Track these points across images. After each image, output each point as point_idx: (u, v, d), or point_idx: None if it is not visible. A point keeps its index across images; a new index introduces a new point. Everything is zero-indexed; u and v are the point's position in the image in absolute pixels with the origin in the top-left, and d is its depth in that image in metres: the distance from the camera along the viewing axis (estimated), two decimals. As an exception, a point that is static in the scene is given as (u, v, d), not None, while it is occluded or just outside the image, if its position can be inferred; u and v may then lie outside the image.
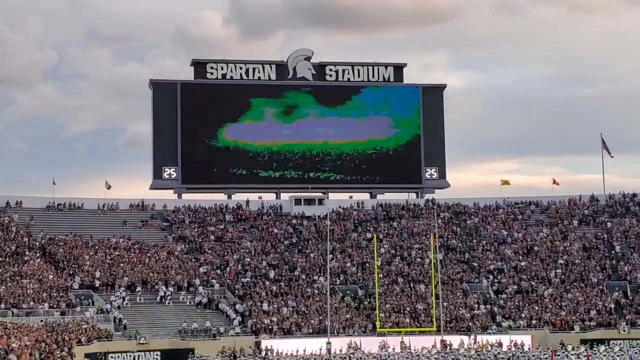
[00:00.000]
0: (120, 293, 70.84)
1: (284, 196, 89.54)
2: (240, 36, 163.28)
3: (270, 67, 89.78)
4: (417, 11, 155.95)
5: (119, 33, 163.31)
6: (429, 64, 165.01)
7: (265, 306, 71.32)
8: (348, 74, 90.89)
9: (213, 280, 74.55)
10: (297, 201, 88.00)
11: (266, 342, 65.21)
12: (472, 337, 66.90)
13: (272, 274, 76.67)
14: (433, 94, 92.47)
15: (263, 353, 62.40)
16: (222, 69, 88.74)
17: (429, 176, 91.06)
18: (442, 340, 64.34)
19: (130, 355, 61.51)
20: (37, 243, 75.98)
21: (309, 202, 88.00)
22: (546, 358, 56.34)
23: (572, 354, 56.14)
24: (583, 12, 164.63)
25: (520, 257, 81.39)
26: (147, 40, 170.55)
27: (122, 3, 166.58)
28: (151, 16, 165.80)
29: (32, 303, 65.73)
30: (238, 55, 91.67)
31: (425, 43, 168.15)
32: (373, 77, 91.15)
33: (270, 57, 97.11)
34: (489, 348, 61.34)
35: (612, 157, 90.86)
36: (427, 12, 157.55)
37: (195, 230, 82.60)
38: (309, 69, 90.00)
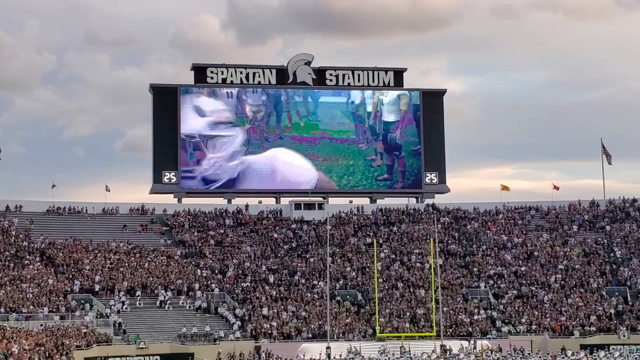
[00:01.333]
0: (120, 297, 70.81)
1: (284, 201, 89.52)
2: (237, 41, 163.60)
3: (271, 71, 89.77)
4: (414, 16, 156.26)
5: (117, 38, 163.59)
6: (427, 69, 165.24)
7: (265, 311, 71.26)
8: (348, 78, 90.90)
9: (213, 285, 74.50)
10: (297, 206, 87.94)
11: (266, 347, 65.11)
12: (472, 342, 66.86)
13: (271, 279, 76.62)
14: (433, 99, 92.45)
15: (263, 357, 62.33)
16: (222, 73, 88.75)
17: (429, 181, 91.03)
18: (441, 345, 64.27)
19: (129, 360, 61.48)
20: (37, 247, 75.93)
21: (309, 206, 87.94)
22: (546, 363, 56.33)
23: (572, 359, 56.14)
24: (579, 17, 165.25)
25: (520, 262, 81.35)
26: (144, 45, 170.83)
27: (120, 8, 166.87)
28: (148, 21, 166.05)
29: (31, 307, 65.69)
30: (235, 60, 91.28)
31: (423, 48, 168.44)
32: (373, 81, 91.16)
33: (267, 62, 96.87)
34: (489, 353, 61.25)
35: (610, 164, 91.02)
36: (424, 18, 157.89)
37: (195, 234, 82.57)
38: (309, 73, 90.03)
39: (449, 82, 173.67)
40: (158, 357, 62.81)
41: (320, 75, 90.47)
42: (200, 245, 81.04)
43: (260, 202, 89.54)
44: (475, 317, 72.86)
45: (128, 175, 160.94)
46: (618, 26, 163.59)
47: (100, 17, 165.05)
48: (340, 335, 68.87)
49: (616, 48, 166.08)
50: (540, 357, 59.25)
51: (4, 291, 67.10)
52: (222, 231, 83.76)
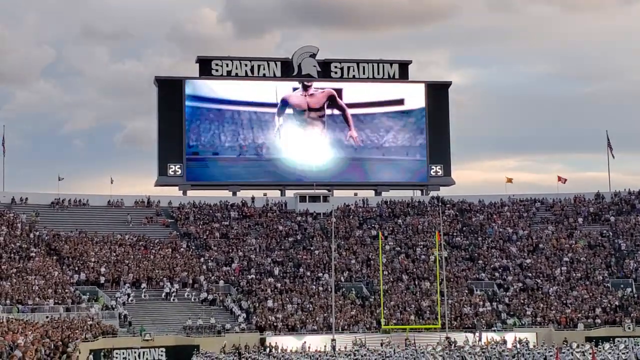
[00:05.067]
0: (126, 289, 70.93)
1: (289, 193, 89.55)
2: (235, 34, 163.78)
3: (275, 64, 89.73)
4: (412, 9, 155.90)
5: (115, 31, 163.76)
6: (427, 62, 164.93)
7: (270, 303, 71.34)
8: (353, 71, 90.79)
9: (218, 277, 74.59)
10: (302, 198, 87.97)
11: (271, 339, 65.22)
12: (477, 334, 66.87)
13: (276, 271, 76.69)
14: (438, 91, 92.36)
15: (267, 350, 62.42)
16: (227, 65, 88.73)
17: (434, 173, 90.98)
18: (447, 338, 64.31)
19: (135, 352, 61.53)
20: (42, 239, 76.04)
21: (314, 199, 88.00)
22: (551, 356, 56.25)
23: (577, 352, 56.01)
24: (576, 10, 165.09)
25: (526, 255, 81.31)
26: (142, 38, 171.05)
27: (117, 1, 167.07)
28: (146, 14, 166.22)
29: (37, 299, 65.80)
30: (233, 53, 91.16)
31: (422, 41, 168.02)
32: (378, 74, 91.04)
33: (265, 54, 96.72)
34: (494, 345, 61.24)
35: (614, 157, 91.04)
36: (421, 11, 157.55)
37: (200, 227, 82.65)
38: (314, 66, 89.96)
39: (450, 75, 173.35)
40: (163, 349, 62.87)
41: (325, 67, 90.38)
42: (205, 237, 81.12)
43: (265, 194, 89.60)
44: (480, 309, 72.86)
45: (130, 168, 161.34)
46: (615, 19, 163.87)
47: (98, 10, 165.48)
48: (345, 327, 68.91)
49: (616, 40, 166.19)
50: (545, 349, 59.18)
51: (9, 283, 67.24)
52: (227, 223, 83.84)
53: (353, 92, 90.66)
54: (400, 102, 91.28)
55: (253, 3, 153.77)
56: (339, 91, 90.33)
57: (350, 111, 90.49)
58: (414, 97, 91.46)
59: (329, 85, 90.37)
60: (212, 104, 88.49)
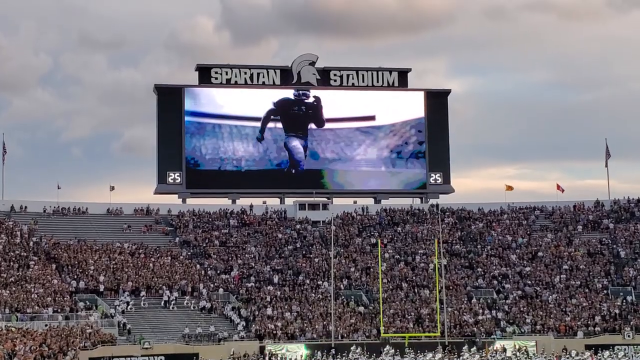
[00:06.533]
0: (125, 297, 70.90)
1: (288, 201, 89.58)
2: (232, 42, 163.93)
3: (275, 72, 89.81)
4: (407, 18, 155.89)
5: (112, 39, 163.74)
6: (424, 70, 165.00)
7: (269, 311, 71.30)
8: (352, 78, 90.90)
9: (217, 285, 74.56)
10: (302, 206, 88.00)
11: (270, 347, 65.14)
12: (477, 341, 66.84)
13: (276, 279, 76.67)
14: (437, 99, 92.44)
15: (267, 358, 62.37)
16: (226, 73, 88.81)
17: (433, 181, 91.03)
18: (446, 346, 64.25)
19: (134, 360, 61.51)
20: (41, 247, 76.01)
21: (313, 207, 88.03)
22: (550, 363, 56.26)
23: (576, 359, 56.07)
24: (571, 19, 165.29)
25: (525, 263, 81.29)
26: (139, 46, 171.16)
27: (114, 9, 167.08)
28: (143, 22, 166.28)
29: (36, 307, 65.78)
30: (230, 61, 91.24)
31: (418, 49, 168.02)
32: (377, 82, 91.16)
33: (261, 63, 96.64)
34: (493, 353, 61.21)
35: (606, 166, 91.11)
36: (417, 19, 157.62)
37: (200, 235, 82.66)
38: (314, 74, 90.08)
39: (449, 84, 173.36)
40: (162, 358, 62.78)
41: (324, 75, 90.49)
42: (204, 245, 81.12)
43: (264, 202, 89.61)
44: (480, 317, 72.82)
45: (128, 176, 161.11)
46: (611, 27, 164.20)
47: (95, 18, 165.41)
48: (345, 335, 68.85)
49: (612, 49, 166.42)
50: (545, 357, 59.19)
51: (8, 292, 67.22)
52: (226, 231, 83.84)
53: (331, 108, 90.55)
54: (372, 117, 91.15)
55: (250, 11, 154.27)
56: (319, 108, 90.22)
57: (327, 125, 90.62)
58: (384, 113, 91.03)
59: (327, 93, 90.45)
60: (211, 119, 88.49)
